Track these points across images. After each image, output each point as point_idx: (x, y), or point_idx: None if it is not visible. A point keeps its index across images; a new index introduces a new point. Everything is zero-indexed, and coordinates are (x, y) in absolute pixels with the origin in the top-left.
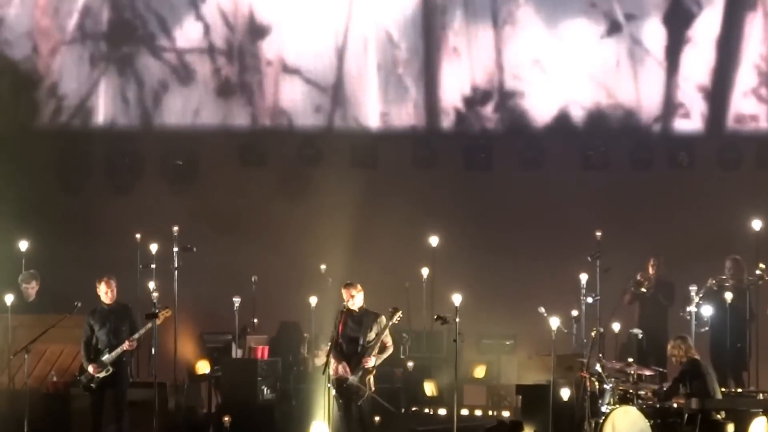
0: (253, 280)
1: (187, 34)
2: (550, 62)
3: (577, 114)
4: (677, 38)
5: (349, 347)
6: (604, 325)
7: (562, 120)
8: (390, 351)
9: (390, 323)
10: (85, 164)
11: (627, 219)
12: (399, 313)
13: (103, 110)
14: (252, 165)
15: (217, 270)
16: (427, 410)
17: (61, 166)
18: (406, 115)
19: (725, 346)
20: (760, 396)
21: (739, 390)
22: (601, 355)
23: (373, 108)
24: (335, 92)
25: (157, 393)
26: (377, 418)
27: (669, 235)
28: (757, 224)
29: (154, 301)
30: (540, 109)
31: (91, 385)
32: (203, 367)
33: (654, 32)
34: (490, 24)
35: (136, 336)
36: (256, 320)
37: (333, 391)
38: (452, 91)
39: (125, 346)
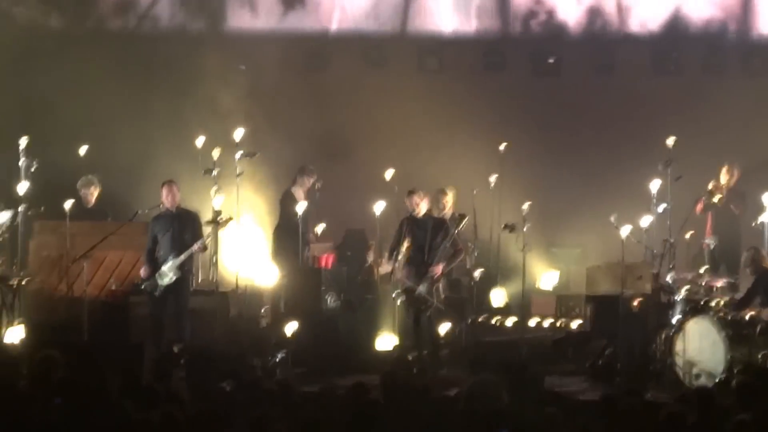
0: (316, 186)
1: None
2: None
3: (650, 18)
4: None
5: (416, 255)
6: (675, 235)
7: (635, 24)
8: (461, 256)
9: (456, 230)
10: (148, 68)
11: (700, 126)
12: (465, 220)
13: (167, 13)
14: (316, 69)
15: (281, 176)
16: (494, 321)
17: (124, 70)
18: (476, 19)
19: None
20: None
21: None
22: (672, 265)
23: (442, 12)
24: None
25: (218, 301)
26: (445, 328)
27: (742, 143)
28: None
29: (216, 207)
30: (611, 14)
31: (154, 293)
32: (267, 275)
33: None
34: None
35: (204, 239)
36: (322, 226)
37: (400, 301)
38: None
39: (194, 248)
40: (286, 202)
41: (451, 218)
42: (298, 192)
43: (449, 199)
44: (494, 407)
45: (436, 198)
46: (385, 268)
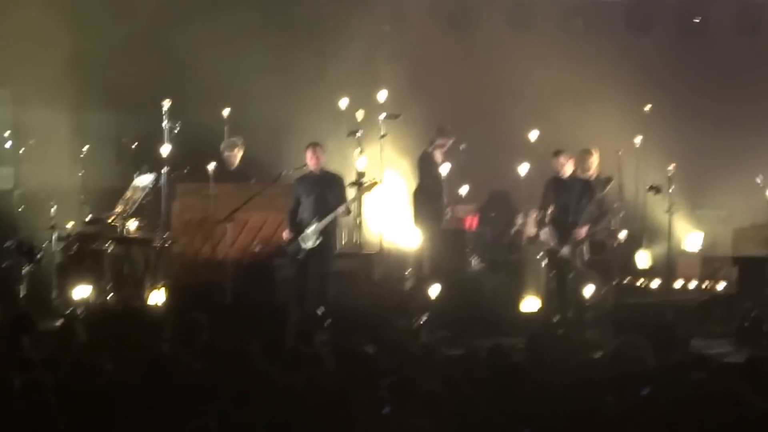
0: (460, 148)
1: None
2: None
3: None
4: None
5: (561, 216)
6: None
7: None
8: (607, 218)
9: (603, 193)
10: (292, 28)
11: None
12: (611, 183)
13: None
14: (461, 31)
15: (424, 137)
16: (639, 283)
17: (267, 30)
18: None
19: None
20: None
21: None
22: None
23: None
24: None
25: (362, 263)
26: (589, 290)
27: None
28: None
29: (359, 169)
30: None
31: (297, 255)
32: (411, 238)
33: None
34: None
35: (348, 203)
36: (465, 188)
37: (544, 263)
38: None
39: (338, 211)
40: (423, 164)
41: (597, 180)
42: (436, 153)
43: (594, 160)
44: (639, 369)
45: (582, 158)
46: (531, 229)
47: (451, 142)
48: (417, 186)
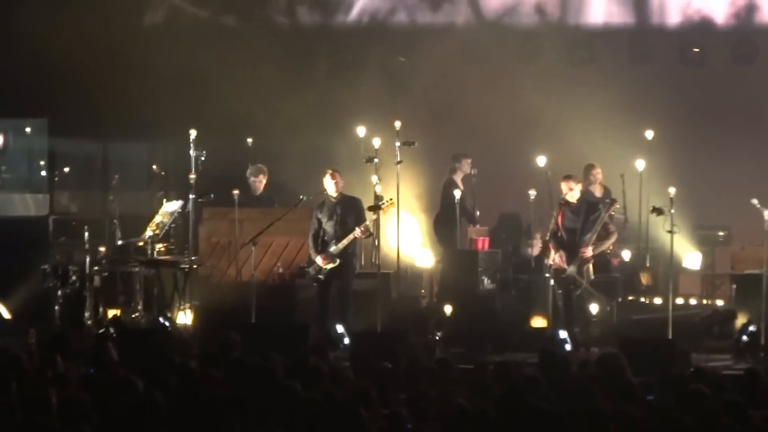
0: (472, 173)
1: None
2: None
3: None
4: None
5: (569, 238)
6: None
7: None
8: (613, 238)
9: (607, 214)
10: (309, 59)
11: None
12: (616, 205)
13: (367, 6)
14: (470, 63)
15: (437, 164)
16: (642, 299)
17: (286, 63)
18: (623, 10)
19: None
20: None
21: None
22: None
23: (591, 4)
24: None
25: (380, 283)
26: (595, 307)
27: None
28: None
29: (377, 193)
30: (755, 4)
31: (319, 276)
32: (425, 258)
33: None
34: None
35: (367, 223)
36: (477, 212)
37: (552, 282)
38: None
39: (356, 233)
40: (447, 189)
41: (602, 202)
42: (458, 179)
43: (597, 173)
44: (621, 379)
45: (586, 173)
46: (538, 250)
47: (468, 166)
48: (439, 209)
